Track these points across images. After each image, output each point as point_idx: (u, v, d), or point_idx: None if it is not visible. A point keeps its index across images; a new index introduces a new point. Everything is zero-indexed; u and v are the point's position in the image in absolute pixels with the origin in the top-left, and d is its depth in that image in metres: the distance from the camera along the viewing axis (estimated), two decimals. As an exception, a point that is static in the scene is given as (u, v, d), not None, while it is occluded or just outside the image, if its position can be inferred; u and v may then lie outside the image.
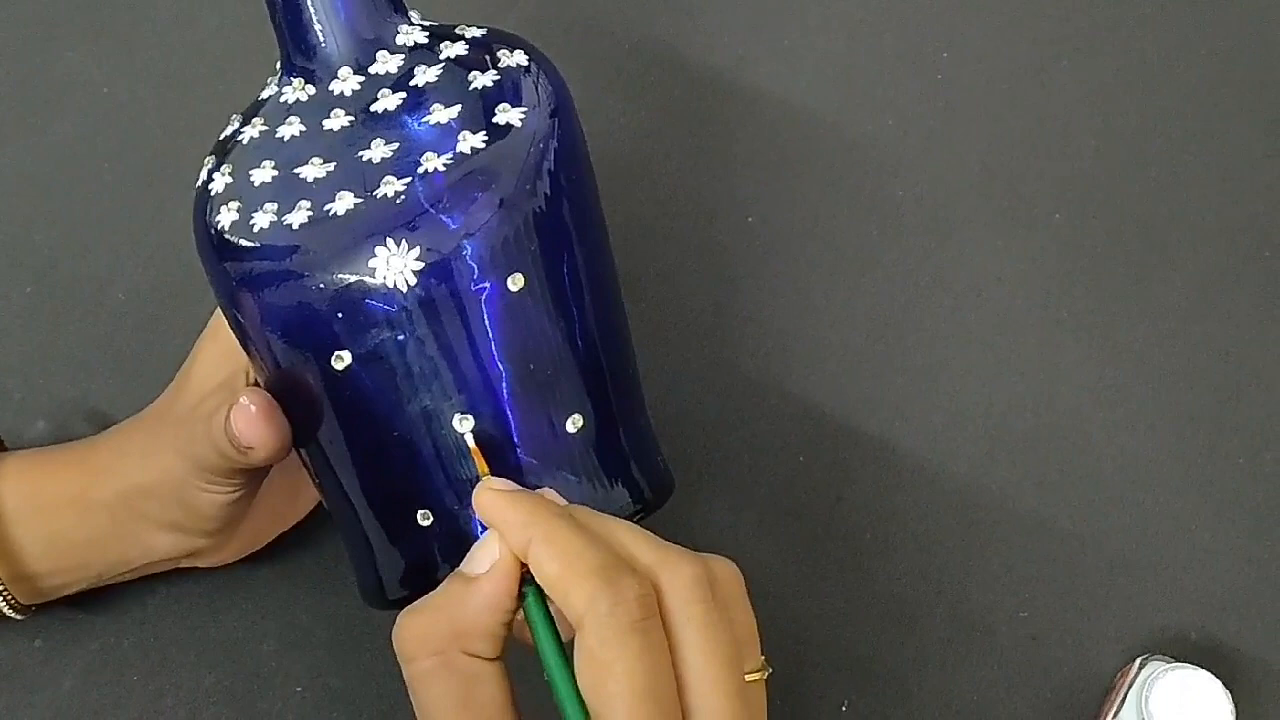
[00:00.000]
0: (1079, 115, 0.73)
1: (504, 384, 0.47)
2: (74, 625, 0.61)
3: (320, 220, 0.46)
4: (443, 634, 0.44)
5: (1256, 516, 0.64)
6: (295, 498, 0.61)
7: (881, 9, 0.76)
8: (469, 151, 0.46)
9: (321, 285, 0.46)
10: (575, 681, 0.42)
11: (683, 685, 0.41)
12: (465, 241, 0.46)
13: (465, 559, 0.45)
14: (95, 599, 0.60)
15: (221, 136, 0.51)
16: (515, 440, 0.48)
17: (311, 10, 0.50)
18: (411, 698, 0.44)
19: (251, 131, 0.49)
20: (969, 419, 0.66)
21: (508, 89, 0.48)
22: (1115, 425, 0.66)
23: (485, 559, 0.44)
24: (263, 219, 0.47)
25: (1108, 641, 0.62)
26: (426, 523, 0.48)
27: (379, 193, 0.46)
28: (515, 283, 0.47)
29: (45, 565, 0.56)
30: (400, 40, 0.50)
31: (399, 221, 0.45)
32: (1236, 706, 0.55)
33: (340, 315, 0.46)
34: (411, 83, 0.48)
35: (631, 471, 0.51)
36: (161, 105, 0.74)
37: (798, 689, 0.62)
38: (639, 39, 0.74)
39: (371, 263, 0.45)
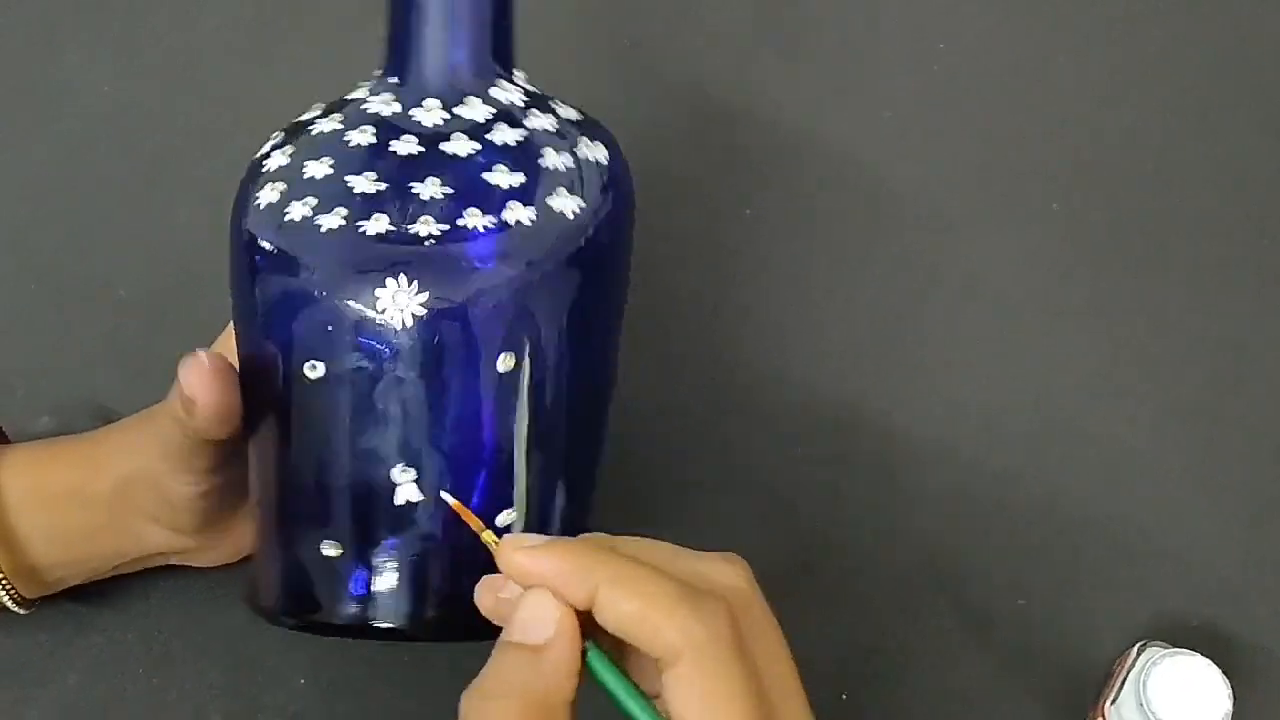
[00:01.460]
0: (1076, 108, 0.73)
1: (447, 458, 0.47)
2: (78, 620, 0.62)
3: (348, 232, 0.46)
4: (531, 715, 0.40)
5: (1254, 505, 0.64)
6: None
7: (879, 2, 0.76)
8: (513, 223, 0.46)
9: (324, 293, 0.46)
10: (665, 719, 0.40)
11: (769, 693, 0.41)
12: (473, 304, 0.46)
13: (513, 628, 0.41)
14: (99, 594, 0.61)
15: (298, 119, 0.51)
16: (433, 505, 0.47)
17: (427, 36, 0.50)
18: None
19: (325, 125, 0.49)
20: (968, 409, 0.66)
21: (575, 180, 0.48)
22: (1113, 415, 0.66)
23: (543, 622, 0.41)
24: (299, 210, 0.47)
25: (1106, 629, 0.62)
26: (331, 553, 0.48)
27: (413, 228, 0.46)
28: (504, 363, 0.46)
29: (48, 557, 0.56)
30: (495, 94, 0.50)
31: (419, 261, 0.45)
32: (1234, 691, 0.55)
33: (330, 329, 0.46)
34: (488, 136, 0.48)
35: None
36: (162, 105, 0.74)
37: (798, 678, 0.62)
38: (639, 33, 0.75)
39: (379, 291, 0.45)
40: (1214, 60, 0.74)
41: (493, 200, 0.46)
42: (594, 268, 0.49)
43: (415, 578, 0.47)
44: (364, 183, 0.47)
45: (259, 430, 0.50)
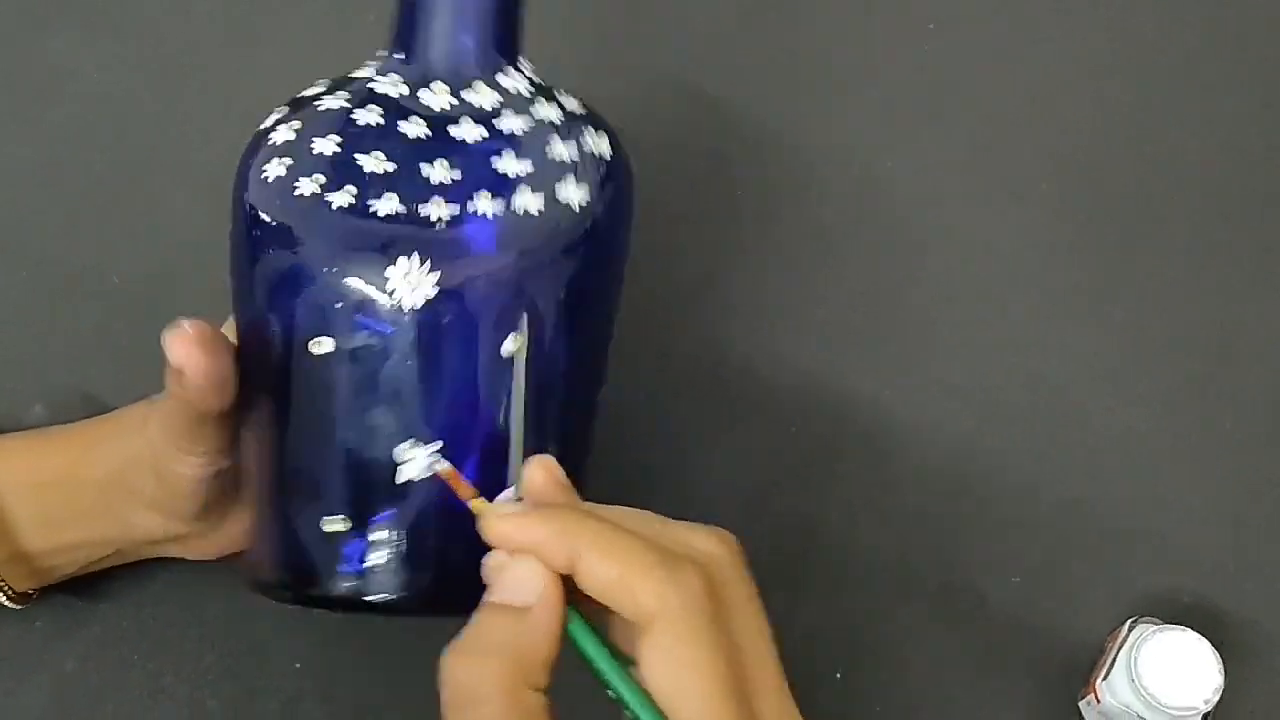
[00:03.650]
0: (1067, 87, 0.73)
1: (458, 430, 0.47)
2: (74, 607, 0.62)
3: (359, 211, 0.46)
4: (510, 673, 0.41)
5: (1245, 482, 0.65)
6: None
7: (868, -16, 0.76)
8: (521, 211, 0.47)
9: (334, 270, 0.46)
10: (639, 686, 0.40)
11: (744, 667, 0.41)
12: (480, 288, 0.46)
13: (498, 589, 0.42)
14: (94, 580, 0.61)
15: (302, 94, 0.51)
16: (437, 488, 0.47)
17: (436, 18, 0.50)
18: None
19: (332, 102, 0.49)
20: (960, 389, 0.67)
21: (580, 170, 0.49)
22: (1105, 393, 0.66)
23: (528, 584, 0.41)
24: (308, 186, 0.47)
25: (1099, 606, 0.62)
26: (331, 528, 0.48)
27: (423, 210, 0.46)
28: (509, 345, 0.47)
29: (39, 543, 0.56)
30: (502, 81, 0.50)
31: (429, 243, 0.46)
32: (1225, 666, 0.56)
33: (338, 306, 0.46)
34: (495, 123, 0.48)
35: None
36: (153, 93, 0.74)
37: (792, 658, 0.62)
38: (629, 17, 0.75)
39: (389, 271, 0.46)
40: (1206, 41, 0.74)
41: (502, 186, 0.47)
42: (596, 257, 0.49)
43: (414, 552, 0.48)
44: (373, 162, 0.47)
45: (258, 406, 0.50)
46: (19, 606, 0.58)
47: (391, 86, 0.49)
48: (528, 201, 0.47)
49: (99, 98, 0.73)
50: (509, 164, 0.47)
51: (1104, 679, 0.57)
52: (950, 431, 0.66)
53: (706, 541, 0.42)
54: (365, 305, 0.46)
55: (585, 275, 0.49)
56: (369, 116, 0.48)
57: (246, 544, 0.53)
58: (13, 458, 0.57)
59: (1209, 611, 0.62)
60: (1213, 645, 0.56)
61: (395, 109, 0.49)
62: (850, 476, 0.65)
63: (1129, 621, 0.58)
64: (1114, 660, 0.57)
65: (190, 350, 0.49)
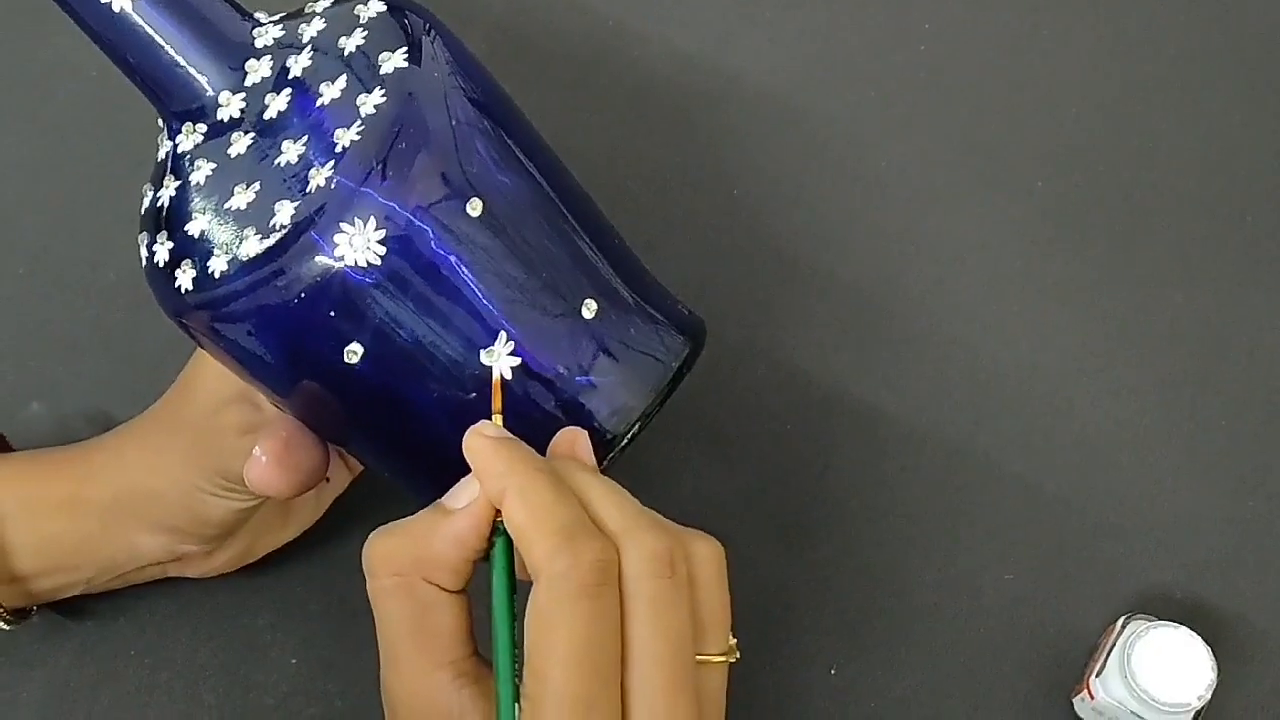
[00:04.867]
0: (1060, 85, 0.73)
1: (507, 305, 0.48)
2: (70, 602, 0.62)
3: (271, 235, 0.46)
4: (408, 557, 0.44)
5: (1238, 478, 0.65)
6: (286, 520, 0.61)
7: (864, -18, 0.76)
8: (374, 111, 0.46)
9: (303, 294, 0.46)
10: (514, 634, 0.42)
11: (627, 658, 0.41)
12: (410, 193, 0.46)
13: (449, 492, 0.45)
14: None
15: (143, 210, 0.51)
16: (537, 354, 0.48)
17: (166, 56, 0.49)
18: (374, 611, 0.45)
19: (168, 192, 0.49)
20: (954, 386, 0.67)
21: (380, 39, 0.48)
22: (1099, 390, 0.66)
23: (465, 496, 0.44)
24: (219, 263, 0.47)
25: (1093, 602, 0.62)
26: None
27: (310, 186, 0.46)
28: (474, 209, 0.47)
29: (36, 566, 0.56)
30: (260, 43, 0.50)
31: (343, 203, 0.45)
32: (1218, 663, 0.56)
33: (333, 313, 0.46)
34: (290, 77, 0.49)
35: (660, 327, 0.52)
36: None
37: (786, 654, 0.62)
38: (622, 15, 0.75)
39: (338, 252, 0.45)
40: (1196, 38, 0.74)
41: (343, 112, 0.47)
42: (464, 77, 0.49)
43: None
44: (241, 198, 0.47)
45: (350, 435, 0.51)
46: (10, 627, 0.58)
47: (193, 136, 0.50)
48: (371, 100, 0.46)
49: (96, 93, 0.74)
50: (329, 92, 0.47)
51: (1097, 675, 0.57)
52: (944, 429, 0.66)
53: (653, 534, 0.43)
54: (350, 293, 0.46)
55: (472, 98, 0.48)
56: (202, 173, 0.48)
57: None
58: (12, 481, 0.56)
59: (1202, 608, 0.62)
60: (1206, 642, 0.56)
61: (214, 147, 0.49)
62: (845, 473, 0.65)
63: (1123, 618, 0.59)
64: (1108, 657, 0.57)
65: (274, 477, 0.51)
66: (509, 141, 0.49)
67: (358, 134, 0.46)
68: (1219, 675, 0.56)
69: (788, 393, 0.67)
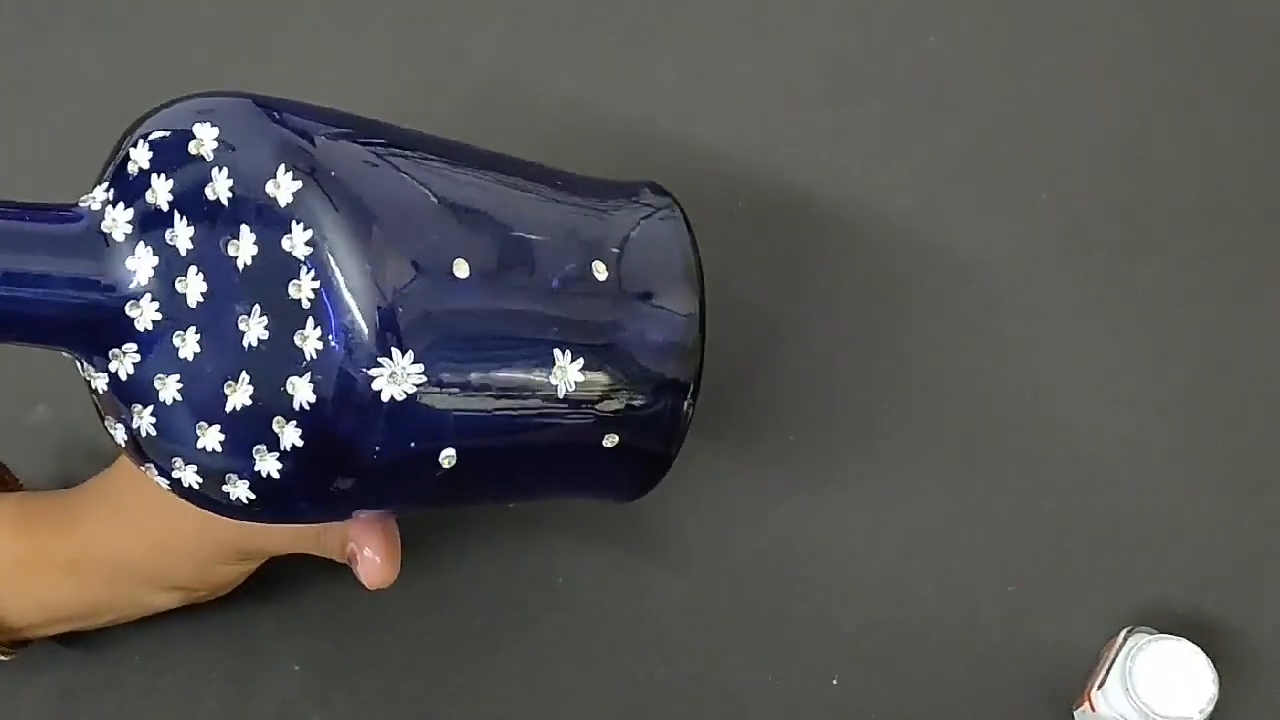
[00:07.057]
0: (1063, 99, 0.73)
1: (535, 325, 0.46)
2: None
3: (306, 413, 0.42)
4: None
5: (1238, 491, 0.65)
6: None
7: (868, -5, 0.76)
8: (311, 249, 0.41)
9: (378, 451, 0.42)
10: None
11: None
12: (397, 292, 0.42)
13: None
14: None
15: (122, 445, 0.46)
16: (583, 339, 0.47)
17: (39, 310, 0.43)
18: None
19: (143, 421, 0.44)
20: (955, 399, 0.67)
21: (249, 169, 0.43)
22: (1099, 403, 0.67)
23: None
24: (267, 464, 0.42)
25: (1093, 615, 0.63)
26: (611, 444, 0.48)
27: (308, 353, 0.41)
28: (460, 269, 0.44)
29: (32, 620, 0.56)
30: (112, 230, 0.45)
31: (357, 348, 0.41)
32: (1219, 676, 0.56)
33: (410, 428, 0.43)
34: (182, 253, 0.43)
35: (639, 206, 0.52)
36: (157, 93, 0.74)
37: (788, 664, 0.62)
38: (626, 28, 0.75)
39: (375, 385, 0.41)
40: (1197, 52, 0.74)
41: (279, 263, 0.42)
42: (353, 134, 0.45)
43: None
44: (240, 395, 0.42)
45: (467, 505, 0.55)
46: (6, 658, 0.57)
47: (122, 363, 0.44)
48: (300, 242, 0.41)
49: (103, 99, 0.74)
50: (239, 251, 0.42)
51: (1099, 688, 0.58)
52: (945, 441, 0.66)
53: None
54: (412, 410, 0.42)
55: (366, 155, 0.44)
56: (168, 390, 0.43)
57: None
58: (10, 537, 0.55)
59: (1204, 622, 0.62)
60: (1208, 655, 0.56)
61: (162, 362, 0.43)
62: (846, 485, 0.65)
63: (1124, 631, 0.59)
64: (1109, 670, 0.57)
65: (387, 572, 0.52)
66: (424, 160, 0.46)
67: (314, 282, 0.41)
68: (1221, 688, 0.56)
69: (789, 404, 0.67)
